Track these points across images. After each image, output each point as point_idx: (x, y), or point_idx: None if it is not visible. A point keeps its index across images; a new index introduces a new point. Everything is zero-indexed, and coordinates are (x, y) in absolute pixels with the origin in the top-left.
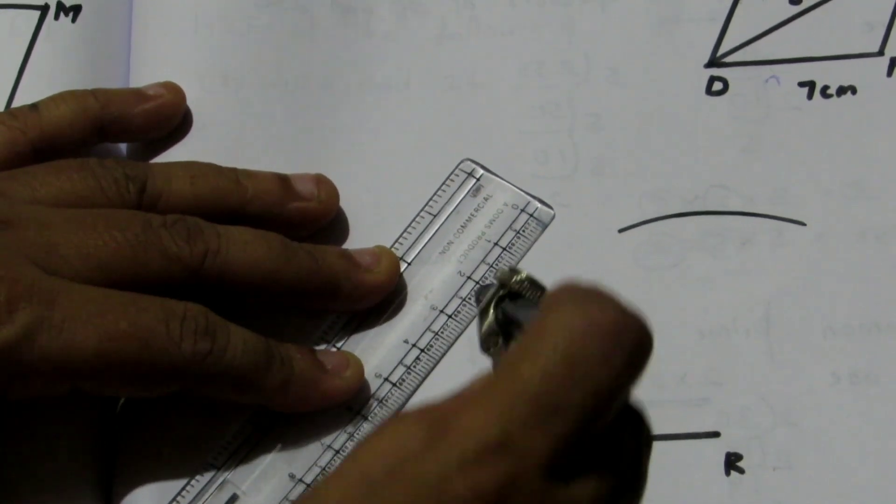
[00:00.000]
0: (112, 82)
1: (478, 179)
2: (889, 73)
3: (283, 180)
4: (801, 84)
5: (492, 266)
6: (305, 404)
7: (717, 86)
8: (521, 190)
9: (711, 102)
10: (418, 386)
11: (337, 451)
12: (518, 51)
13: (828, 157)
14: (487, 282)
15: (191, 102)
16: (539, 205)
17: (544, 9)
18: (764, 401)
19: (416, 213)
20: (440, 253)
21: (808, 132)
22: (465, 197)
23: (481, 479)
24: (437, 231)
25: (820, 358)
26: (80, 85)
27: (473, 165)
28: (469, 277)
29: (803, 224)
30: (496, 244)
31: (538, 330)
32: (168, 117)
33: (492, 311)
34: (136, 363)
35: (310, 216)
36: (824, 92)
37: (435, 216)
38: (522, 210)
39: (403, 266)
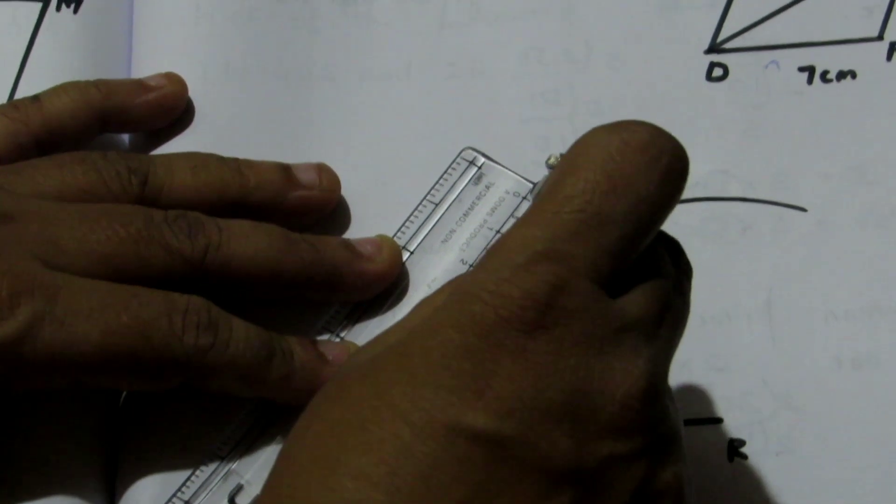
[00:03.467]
0: (114, 73)
1: (479, 168)
2: (889, 58)
3: (285, 169)
4: (801, 69)
5: None
6: (308, 396)
7: (718, 72)
8: (523, 177)
9: (712, 88)
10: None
11: None
12: (518, 38)
13: (828, 143)
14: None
15: (192, 93)
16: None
17: None
18: (766, 386)
19: (419, 201)
20: (442, 241)
21: (809, 117)
22: (466, 185)
23: (532, 281)
24: (439, 219)
25: (822, 343)
26: (82, 76)
27: (475, 154)
28: (471, 266)
29: (804, 210)
30: (498, 232)
31: (575, 153)
32: (170, 108)
33: None
34: (138, 357)
35: (312, 205)
36: (824, 77)
37: (437, 205)
38: (524, 198)
39: (406, 255)
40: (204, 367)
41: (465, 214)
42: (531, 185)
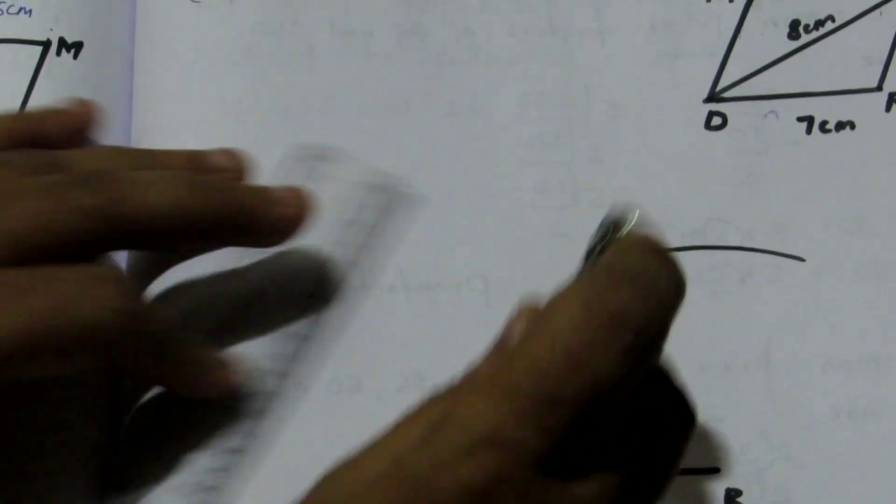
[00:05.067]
0: (113, 118)
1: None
2: (888, 109)
3: (194, 155)
4: (800, 119)
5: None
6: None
7: (716, 121)
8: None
9: (710, 137)
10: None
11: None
12: (518, 81)
13: (827, 192)
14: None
15: (191, 131)
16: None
17: (544, 40)
18: (763, 436)
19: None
20: None
21: (807, 167)
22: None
23: (469, 473)
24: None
25: (819, 393)
26: None
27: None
28: None
29: (802, 260)
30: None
31: (539, 319)
32: (82, 128)
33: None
34: (63, 338)
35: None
36: (823, 127)
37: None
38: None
39: None
40: (131, 334)
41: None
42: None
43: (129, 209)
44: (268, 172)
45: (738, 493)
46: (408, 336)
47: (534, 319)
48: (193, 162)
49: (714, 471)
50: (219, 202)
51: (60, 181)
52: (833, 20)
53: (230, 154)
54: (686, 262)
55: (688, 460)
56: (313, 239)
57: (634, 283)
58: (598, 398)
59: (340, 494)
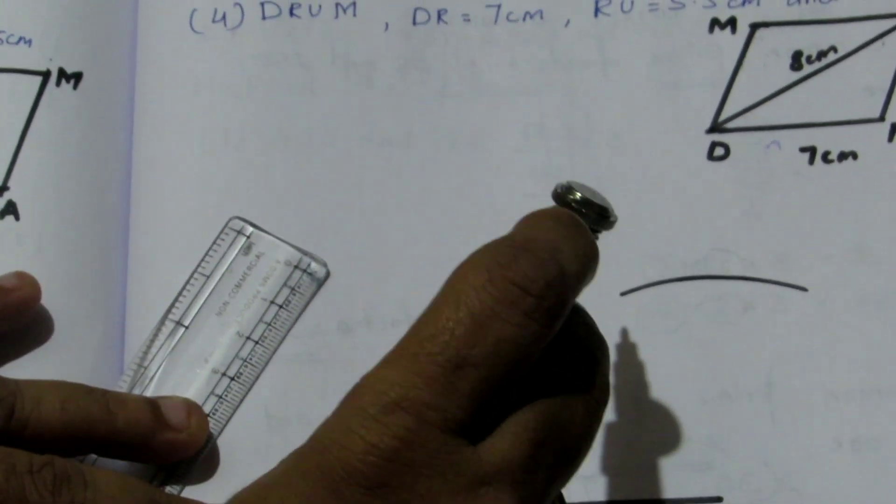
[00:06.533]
0: (113, 149)
1: (248, 237)
2: (890, 139)
3: (154, 409)
4: (803, 149)
5: (270, 325)
6: None
7: (719, 151)
8: (294, 246)
9: (713, 167)
10: (204, 449)
11: None
12: (519, 112)
13: (829, 223)
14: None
15: (192, 161)
16: (312, 261)
17: (545, 72)
18: (766, 466)
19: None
20: (217, 314)
21: (810, 197)
22: (236, 256)
23: (377, 435)
24: (211, 292)
25: (822, 423)
26: (82, 151)
27: (243, 223)
28: (248, 338)
29: (805, 290)
30: (273, 302)
31: (444, 287)
32: (24, 311)
33: None
34: None
35: (178, 447)
36: (825, 157)
37: (208, 277)
38: (296, 267)
39: (181, 330)
40: None
41: (237, 285)
42: (301, 255)
43: None
44: (269, 208)
45: None
46: None
47: (439, 292)
48: (153, 416)
49: (717, 500)
50: None
51: (23, 466)
52: (835, 51)
53: (188, 410)
54: (688, 291)
55: (691, 489)
56: (235, 317)
57: (534, 253)
58: (505, 361)
59: (271, 475)
